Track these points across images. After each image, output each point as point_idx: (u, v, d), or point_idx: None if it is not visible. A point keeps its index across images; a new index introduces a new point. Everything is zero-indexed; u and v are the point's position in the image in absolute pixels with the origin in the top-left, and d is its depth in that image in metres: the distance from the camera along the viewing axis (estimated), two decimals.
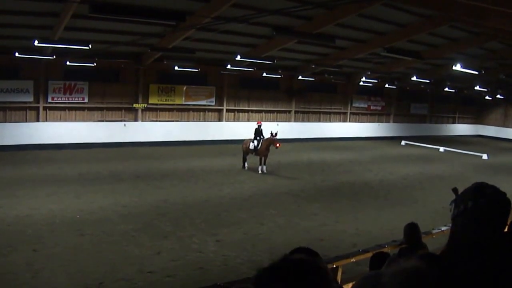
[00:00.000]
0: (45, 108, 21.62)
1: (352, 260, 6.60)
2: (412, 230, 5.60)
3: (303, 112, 31.01)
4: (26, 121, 21.18)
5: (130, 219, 11.08)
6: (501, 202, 1.62)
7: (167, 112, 25.46)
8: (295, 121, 30.46)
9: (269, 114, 29.34)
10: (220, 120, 27.35)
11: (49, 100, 21.61)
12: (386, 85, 32.40)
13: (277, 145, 17.74)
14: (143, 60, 22.76)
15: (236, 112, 28.02)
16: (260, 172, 18.02)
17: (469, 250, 1.59)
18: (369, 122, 35.25)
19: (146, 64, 23.00)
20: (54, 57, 18.95)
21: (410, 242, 5.55)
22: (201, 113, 26.74)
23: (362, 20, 17.94)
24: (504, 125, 42.47)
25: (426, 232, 7.77)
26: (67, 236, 9.58)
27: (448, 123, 42.54)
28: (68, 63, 20.45)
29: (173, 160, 20.01)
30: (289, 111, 30.27)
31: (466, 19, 15.40)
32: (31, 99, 21.14)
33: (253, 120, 25.82)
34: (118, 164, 18.20)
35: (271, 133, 17.88)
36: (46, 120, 21.66)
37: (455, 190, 1.75)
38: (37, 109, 21.43)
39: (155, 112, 25.02)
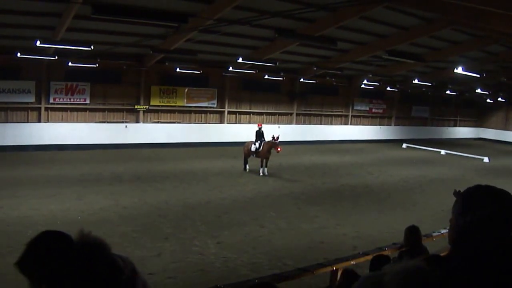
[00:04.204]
0: (46, 109, 21.66)
1: (352, 263, 6.61)
2: (412, 233, 5.60)
3: (304, 115, 31.03)
4: (27, 122, 21.23)
5: (131, 220, 11.09)
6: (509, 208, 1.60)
7: (168, 114, 25.49)
8: (296, 123, 30.48)
9: (270, 116, 29.36)
10: (221, 122, 27.38)
11: (51, 101, 21.66)
12: (388, 88, 32.43)
13: (278, 149, 17.69)
14: (145, 61, 22.79)
15: (237, 114, 28.04)
16: (261, 174, 18.02)
17: (475, 253, 1.58)
18: (371, 124, 35.25)
19: (148, 65, 23.03)
20: (56, 57, 18.97)
21: (410, 245, 5.54)
22: (203, 115, 26.76)
23: (364, 22, 17.93)
24: (505, 128, 42.43)
25: (426, 235, 7.77)
26: None
27: (449, 126, 42.53)
28: (70, 64, 20.51)
29: (174, 162, 20.02)
30: (291, 114, 30.29)
31: (467, 22, 15.40)
32: (32, 99, 21.19)
33: (254, 122, 25.83)
34: (119, 166, 18.22)
35: (273, 137, 17.87)
36: (47, 120, 21.70)
37: (457, 193, 1.72)
38: (38, 109, 21.47)
39: (157, 114, 25.05)
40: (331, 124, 32.75)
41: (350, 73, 29.80)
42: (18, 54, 18.02)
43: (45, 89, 21.37)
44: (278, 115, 29.85)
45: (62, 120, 22.17)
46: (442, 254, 1.76)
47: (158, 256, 8.87)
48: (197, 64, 23.46)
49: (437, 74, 29.01)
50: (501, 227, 1.57)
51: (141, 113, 24.28)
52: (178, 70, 23.94)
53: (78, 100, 22.37)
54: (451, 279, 1.53)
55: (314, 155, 25.04)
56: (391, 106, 36.16)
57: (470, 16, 13.42)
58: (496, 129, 43.30)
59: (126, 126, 23.78)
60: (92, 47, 16.39)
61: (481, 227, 1.58)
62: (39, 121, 21.51)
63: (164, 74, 24.60)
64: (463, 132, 43.38)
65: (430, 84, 29.34)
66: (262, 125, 19.87)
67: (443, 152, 29.48)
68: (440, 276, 1.48)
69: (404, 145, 32.63)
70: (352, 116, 33.77)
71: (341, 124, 33.32)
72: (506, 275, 1.52)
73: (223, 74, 25.56)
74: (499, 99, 38.45)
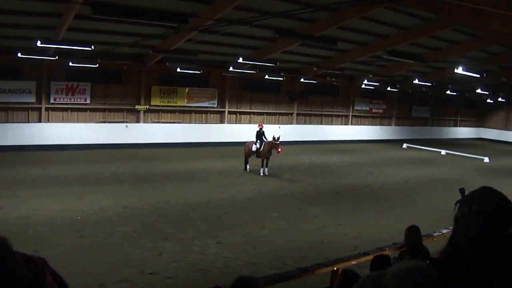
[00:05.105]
0: (47, 109, 21.67)
1: (353, 263, 6.61)
2: (412, 233, 5.59)
3: (305, 115, 31.02)
4: (28, 122, 21.23)
5: (131, 220, 11.09)
6: (506, 210, 1.61)
7: (169, 114, 25.49)
8: (297, 123, 30.48)
9: (271, 116, 29.35)
10: (222, 122, 27.38)
11: (51, 101, 21.66)
12: (388, 88, 32.42)
13: (279, 149, 17.68)
14: (146, 61, 22.79)
15: (238, 114, 28.04)
16: (261, 174, 18.02)
17: (469, 252, 1.59)
18: (371, 125, 35.25)
19: (148, 65, 23.03)
20: (57, 57, 18.96)
21: (410, 245, 5.54)
22: (203, 115, 26.76)
23: (364, 22, 17.95)
24: (506, 128, 42.42)
25: (427, 235, 7.77)
26: (68, 237, 9.59)
27: (449, 126, 42.53)
28: (70, 64, 20.49)
29: (174, 162, 20.03)
30: (291, 114, 30.29)
31: (467, 22, 15.40)
32: (33, 99, 21.20)
33: (254, 122, 25.86)
34: (120, 166, 18.22)
35: (274, 137, 17.87)
36: (48, 121, 21.70)
37: (462, 190, 1.74)
38: (39, 109, 21.48)
39: (157, 114, 25.05)
40: (332, 124, 32.74)
41: (351, 73, 29.80)
42: (19, 54, 18.01)
43: (46, 89, 21.38)
44: (279, 115, 29.85)
45: (63, 120, 22.17)
46: (436, 256, 1.76)
47: (159, 256, 8.88)
48: (197, 64, 23.46)
49: (437, 74, 29.02)
50: (494, 223, 1.58)
51: (141, 113, 24.29)
52: (178, 70, 23.94)
53: (79, 100, 22.38)
54: (447, 278, 1.54)
55: (315, 155, 25.04)
56: (392, 106, 36.16)
57: (470, 16, 13.43)
58: (496, 129, 43.29)
59: (126, 126, 23.79)
60: (92, 47, 16.38)
61: (474, 219, 1.59)
62: (40, 121, 21.51)
63: (164, 74, 24.61)
64: (464, 132, 43.37)
65: (430, 84, 29.35)
66: (263, 125, 19.85)
67: (443, 152, 29.47)
68: (437, 275, 1.48)
69: (405, 145, 32.63)
70: (352, 116, 33.77)
71: (342, 124, 33.32)
72: (501, 273, 1.52)
73: (224, 74, 25.57)
74: (500, 99, 38.43)
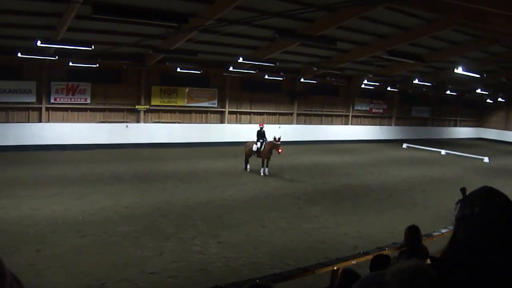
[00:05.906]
0: (47, 109, 21.68)
1: (353, 263, 6.63)
2: (412, 232, 5.61)
3: (305, 115, 31.04)
4: (28, 122, 21.25)
5: (132, 220, 11.11)
6: (507, 210, 1.62)
7: (169, 114, 25.50)
8: (297, 123, 30.49)
9: (271, 116, 29.36)
10: (222, 122, 27.39)
11: (52, 101, 21.67)
12: (388, 88, 32.44)
13: (279, 150, 17.68)
14: (146, 61, 22.81)
15: (238, 114, 28.06)
16: (262, 174, 18.04)
17: (470, 252, 1.60)
18: (371, 125, 35.27)
19: (148, 65, 23.05)
20: (57, 57, 18.98)
21: (410, 245, 5.56)
22: (203, 115, 26.78)
23: (364, 22, 17.94)
24: (506, 128, 42.47)
25: (426, 235, 7.79)
26: (69, 237, 9.61)
27: (449, 126, 42.55)
28: (70, 64, 20.52)
29: (175, 162, 20.04)
30: (291, 114, 30.31)
31: (467, 22, 15.41)
32: (33, 99, 21.21)
33: (255, 122, 25.88)
34: (120, 165, 18.24)
35: (274, 138, 17.89)
36: (48, 121, 21.72)
37: (463, 190, 1.75)
38: (39, 109, 21.49)
39: (157, 114, 25.06)
40: (332, 124, 32.76)
41: (351, 73, 29.82)
42: (19, 54, 18.01)
43: (46, 89, 21.39)
44: (279, 115, 29.87)
45: (63, 120, 22.18)
46: (437, 255, 1.77)
47: (159, 256, 8.90)
48: (197, 64, 23.47)
49: (437, 74, 29.02)
50: (495, 223, 1.59)
51: (141, 113, 24.30)
52: (178, 70, 23.95)
53: (79, 100, 22.39)
54: (448, 278, 1.55)
55: (315, 155, 25.06)
56: (392, 106, 36.18)
57: (470, 16, 13.44)
58: (496, 129, 43.34)
59: (126, 126, 23.81)
60: (92, 47, 16.39)
61: (475, 220, 1.60)
62: (40, 121, 21.53)
63: (164, 74, 24.62)
64: (464, 132, 43.40)
65: (430, 84, 29.36)
66: (264, 125, 19.86)
67: (443, 152, 29.50)
68: (438, 275, 1.49)
69: (405, 145, 32.65)
70: (352, 116, 33.79)
71: (342, 124, 33.34)
72: (502, 274, 1.53)
73: (224, 74, 25.57)
74: (499, 99, 38.47)
